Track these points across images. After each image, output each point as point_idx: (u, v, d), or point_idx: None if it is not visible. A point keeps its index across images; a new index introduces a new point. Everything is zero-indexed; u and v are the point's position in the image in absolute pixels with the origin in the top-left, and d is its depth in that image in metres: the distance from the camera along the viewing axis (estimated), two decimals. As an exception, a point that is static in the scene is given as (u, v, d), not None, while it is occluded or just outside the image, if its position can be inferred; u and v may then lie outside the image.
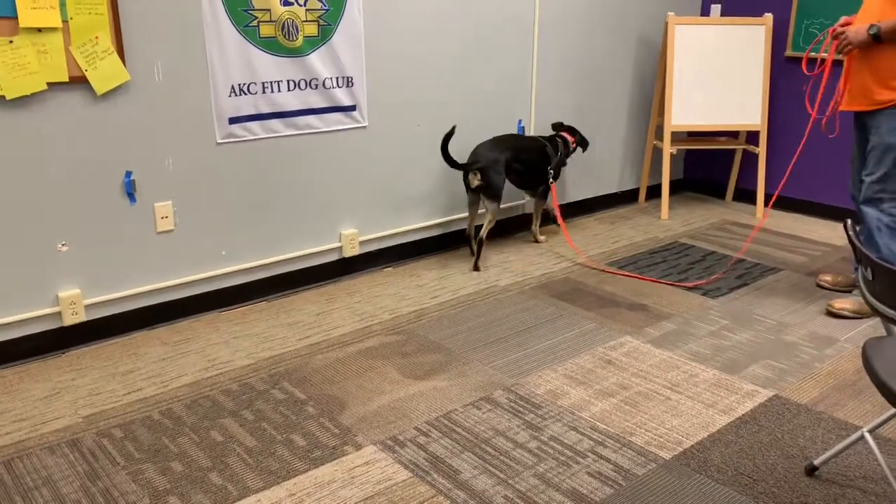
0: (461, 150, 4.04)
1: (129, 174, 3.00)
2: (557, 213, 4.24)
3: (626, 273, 3.81)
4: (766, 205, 4.89)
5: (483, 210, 3.92)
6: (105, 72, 2.83)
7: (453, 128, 3.72)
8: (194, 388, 2.70)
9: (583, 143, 4.39)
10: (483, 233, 3.86)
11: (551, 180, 4.13)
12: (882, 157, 3.10)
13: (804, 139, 3.64)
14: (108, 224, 3.00)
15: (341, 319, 3.28)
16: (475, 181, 3.80)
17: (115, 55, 2.84)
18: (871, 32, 2.99)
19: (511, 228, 4.47)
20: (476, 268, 3.87)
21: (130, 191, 3.02)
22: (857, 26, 3.05)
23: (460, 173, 4.05)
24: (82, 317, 3.00)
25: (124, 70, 2.87)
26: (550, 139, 4.22)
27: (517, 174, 4.01)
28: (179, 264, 3.22)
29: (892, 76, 3.01)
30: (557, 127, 4.36)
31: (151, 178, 3.06)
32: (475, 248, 3.92)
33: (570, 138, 4.28)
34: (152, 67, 2.96)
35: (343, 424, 2.47)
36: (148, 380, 2.77)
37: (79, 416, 2.53)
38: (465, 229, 4.17)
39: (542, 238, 4.31)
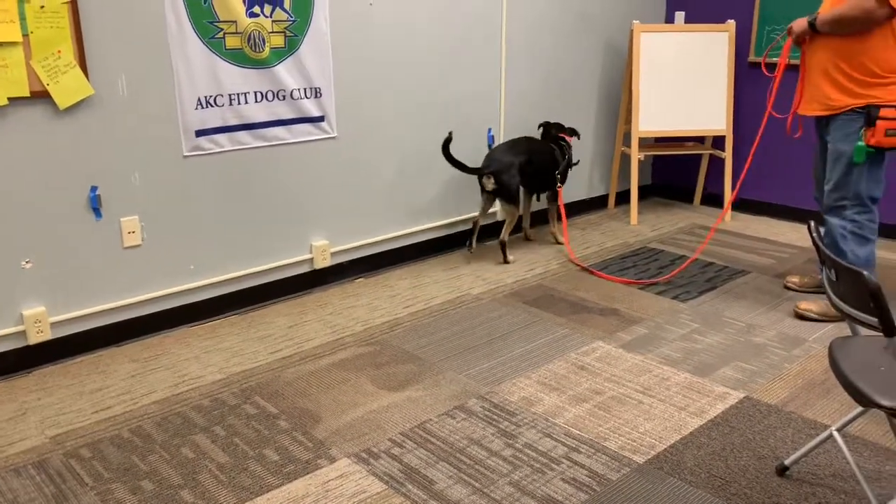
0: (430, 158, 4.05)
1: (94, 189, 2.96)
2: (563, 214, 4.33)
3: (604, 275, 3.83)
4: (733, 208, 4.95)
5: (494, 209, 4.14)
6: (68, 86, 2.79)
7: (450, 134, 3.84)
8: (164, 405, 2.66)
9: (574, 133, 4.48)
10: (504, 235, 4.06)
11: (559, 184, 4.26)
12: (835, 165, 3.12)
13: (758, 138, 3.68)
14: (74, 240, 2.95)
15: (313, 332, 3.26)
16: (489, 185, 3.94)
17: (78, 69, 2.80)
18: (809, 21, 3.04)
19: (482, 237, 4.47)
20: (506, 261, 4.08)
21: (96, 206, 2.98)
22: (801, 18, 3.10)
23: (431, 181, 4.07)
24: (48, 335, 2.95)
25: (88, 84, 2.84)
26: (556, 143, 4.32)
27: (529, 178, 4.11)
28: (147, 279, 3.18)
29: (847, 80, 3.02)
30: (548, 126, 4.41)
31: (117, 192, 3.02)
32: (474, 240, 4.19)
33: (568, 140, 4.38)
34: (116, 81, 2.92)
35: (316, 438, 2.45)
36: (117, 397, 2.72)
37: (45, 437, 2.48)
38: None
39: (561, 239, 4.43)
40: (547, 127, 4.43)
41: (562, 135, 4.38)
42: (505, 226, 4.06)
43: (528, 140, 4.21)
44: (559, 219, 4.35)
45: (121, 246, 3.08)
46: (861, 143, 3.01)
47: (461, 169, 3.93)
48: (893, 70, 2.94)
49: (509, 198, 3.98)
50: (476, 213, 4.21)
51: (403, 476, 2.25)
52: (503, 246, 4.07)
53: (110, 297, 3.09)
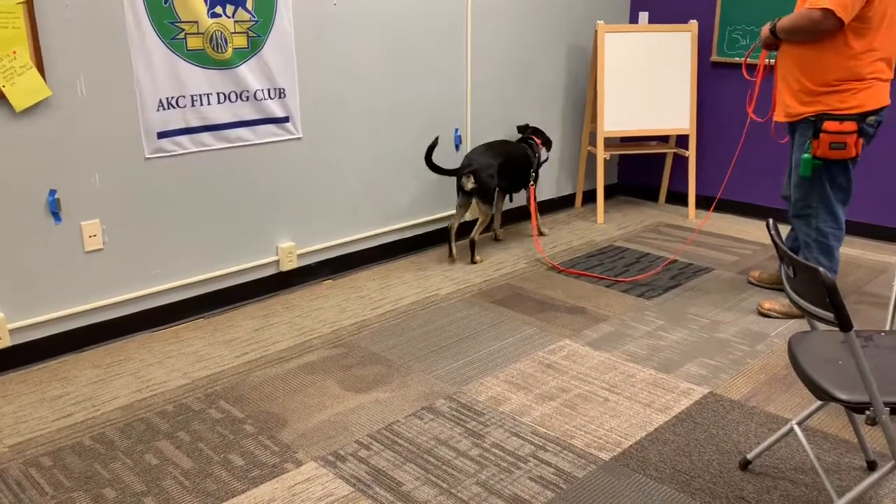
0: (397, 158, 4.05)
1: (52, 193, 2.90)
2: (534, 211, 4.41)
3: (580, 272, 3.86)
4: (697, 206, 5.02)
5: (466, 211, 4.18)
6: (24, 87, 2.73)
7: (436, 139, 3.90)
8: (128, 411, 2.63)
9: (547, 143, 4.54)
10: (475, 233, 4.09)
11: (532, 183, 4.34)
12: (795, 172, 3.16)
13: (741, 144, 3.73)
14: (32, 245, 2.90)
15: (280, 334, 3.23)
16: (469, 184, 3.99)
17: (35, 70, 2.74)
18: (770, 27, 3.06)
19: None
20: (473, 261, 4.09)
21: (55, 210, 2.92)
22: (767, 24, 3.12)
23: (399, 181, 4.07)
24: (7, 342, 2.89)
25: (45, 85, 2.78)
26: (527, 143, 4.39)
27: (507, 179, 4.17)
28: (110, 284, 3.13)
29: (800, 88, 3.04)
30: (524, 129, 4.50)
31: (77, 196, 2.97)
32: (454, 246, 4.15)
33: (537, 141, 4.44)
34: (75, 82, 2.87)
35: (282, 441, 2.43)
36: (78, 404, 2.68)
37: (4, 446, 2.42)
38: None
39: (546, 231, 4.61)
40: (522, 129, 4.50)
41: (532, 136, 4.44)
42: (477, 225, 4.10)
43: (503, 143, 4.27)
44: (535, 214, 4.45)
45: (82, 250, 3.03)
46: (807, 156, 3.01)
47: (441, 173, 3.97)
48: (848, 77, 2.94)
49: (486, 197, 4.04)
50: (451, 221, 4.17)
51: (371, 478, 2.24)
52: (472, 245, 4.09)
53: (71, 303, 3.04)
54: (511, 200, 4.55)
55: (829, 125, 2.94)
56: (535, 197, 4.36)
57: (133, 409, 2.64)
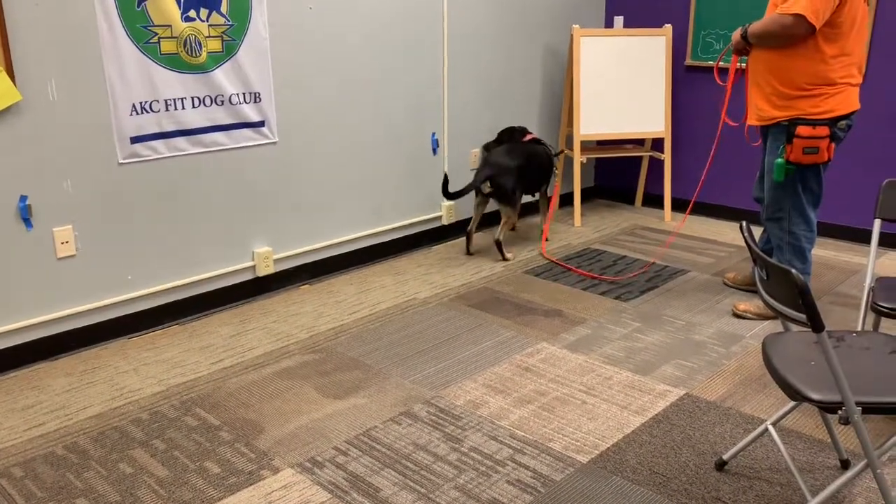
0: (373, 162, 4.04)
1: (24, 198, 2.86)
2: (550, 211, 4.56)
3: (570, 267, 3.87)
4: (672, 209, 5.06)
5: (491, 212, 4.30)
6: (-7, 92, 2.69)
7: (446, 175, 4.11)
8: (101, 420, 2.59)
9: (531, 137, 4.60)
10: (498, 234, 4.19)
11: (556, 180, 4.47)
12: (768, 175, 3.18)
13: (714, 148, 3.76)
14: (3, 252, 2.85)
15: (256, 340, 3.21)
16: (486, 188, 4.09)
17: (4, 74, 2.70)
18: (742, 33, 3.09)
19: (428, 240, 4.48)
20: (504, 259, 4.19)
21: (26, 216, 2.88)
22: (738, 29, 3.15)
23: (376, 185, 4.08)
24: (-23, 351, 2.84)
25: (15, 89, 2.74)
26: (541, 143, 4.44)
27: (527, 179, 4.23)
28: (83, 291, 3.09)
29: (772, 92, 3.06)
30: (509, 133, 4.48)
31: (49, 201, 2.93)
32: (473, 246, 4.31)
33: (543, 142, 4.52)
34: (46, 86, 2.84)
35: (259, 448, 2.41)
36: (51, 413, 2.64)
37: (-26, 457, 2.38)
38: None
39: (548, 236, 4.66)
40: (508, 133, 4.49)
41: (538, 138, 4.48)
42: (501, 225, 4.18)
43: (523, 144, 4.31)
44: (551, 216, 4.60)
45: (54, 257, 2.98)
46: (780, 161, 3.03)
47: (467, 191, 4.09)
48: (819, 82, 2.96)
49: (507, 200, 4.11)
50: (470, 224, 4.30)
51: (348, 484, 2.23)
52: (499, 245, 4.18)
53: (44, 310, 2.99)
54: (534, 196, 4.61)
55: (802, 130, 2.96)
56: (557, 197, 4.45)
57: (107, 417, 2.61)
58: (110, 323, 3.19)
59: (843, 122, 3.01)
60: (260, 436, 2.48)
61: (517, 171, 4.11)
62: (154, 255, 3.28)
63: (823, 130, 2.96)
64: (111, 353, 3.09)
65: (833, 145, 3.02)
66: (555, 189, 4.48)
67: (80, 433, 2.51)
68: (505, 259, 4.17)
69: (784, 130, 3.04)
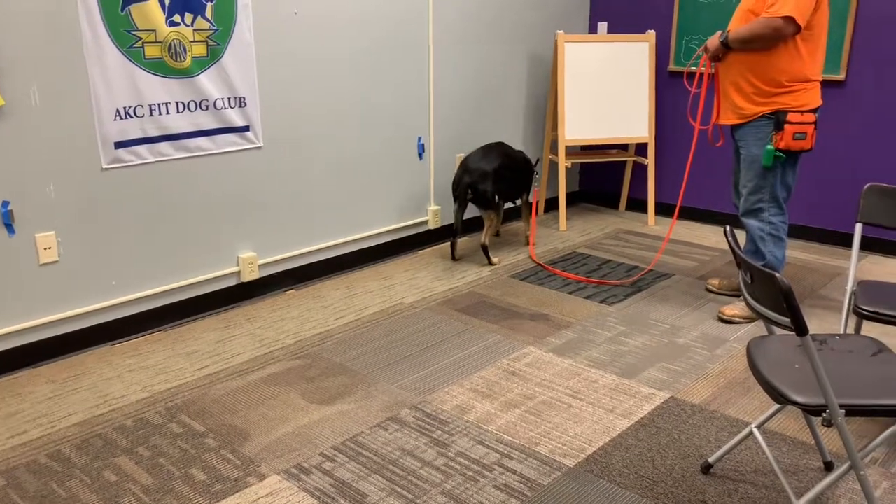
0: (359, 167, 4.04)
1: (6, 204, 2.83)
2: (533, 216, 4.55)
3: (560, 272, 3.88)
4: (656, 213, 5.09)
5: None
6: (-25, 97, 2.67)
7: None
8: (85, 427, 2.57)
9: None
10: (484, 238, 4.19)
11: (536, 185, 4.47)
12: (750, 169, 3.28)
13: (692, 153, 3.81)
14: (-16, 258, 2.82)
15: (241, 346, 3.19)
16: (467, 195, 4.09)
17: (-14, 79, 2.68)
18: (721, 40, 3.21)
19: (414, 245, 4.48)
20: (491, 263, 4.19)
21: (8, 221, 2.85)
22: (715, 35, 3.27)
23: (361, 190, 4.08)
24: (-42, 358, 2.81)
25: (-3, 95, 2.72)
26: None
27: (506, 183, 4.22)
28: (66, 297, 3.06)
29: (753, 91, 3.19)
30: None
31: (32, 207, 2.90)
32: (458, 252, 4.30)
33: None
34: (28, 91, 2.81)
35: (245, 455, 2.40)
36: (33, 421, 2.61)
37: (-45, 466, 2.35)
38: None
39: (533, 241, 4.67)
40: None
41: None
42: (485, 230, 4.18)
43: (501, 145, 4.31)
44: (535, 223, 4.61)
45: (36, 263, 2.96)
46: (770, 147, 3.17)
47: (460, 210, 4.13)
48: (798, 79, 3.13)
49: (486, 204, 4.12)
50: (454, 226, 4.25)
51: (335, 491, 2.22)
52: (485, 250, 4.17)
53: (26, 316, 2.96)
54: (515, 204, 4.62)
55: (792, 117, 3.13)
56: (536, 204, 4.45)
57: (91, 424, 2.59)
58: (94, 329, 3.17)
59: (817, 115, 3.20)
60: (246, 442, 2.47)
61: (494, 175, 4.10)
62: (138, 261, 3.26)
63: (811, 117, 3.14)
64: (95, 360, 3.07)
65: (816, 133, 3.20)
66: (534, 194, 4.48)
67: (64, 441, 2.49)
68: (491, 263, 4.18)
69: (770, 122, 3.19)
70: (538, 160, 4.90)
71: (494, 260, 4.20)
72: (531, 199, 4.55)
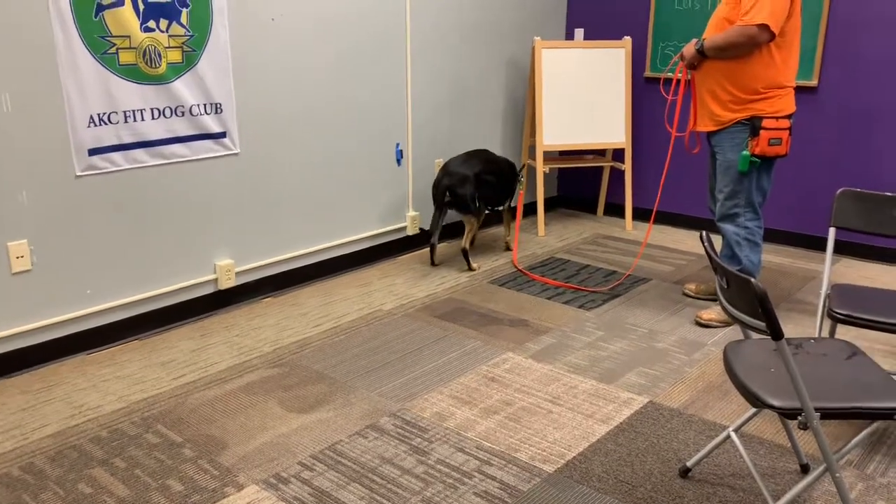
0: (337, 173, 4.03)
1: (-24, 212, 2.79)
2: (517, 221, 4.55)
3: (538, 277, 3.89)
4: (634, 218, 5.13)
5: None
6: (-55, 104, 2.62)
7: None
8: (59, 438, 2.53)
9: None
10: (464, 243, 4.18)
11: (520, 189, 4.48)
12: (726, 174, 3.31)
13: (668, 159, 3.85)
14: (-45, 267, 2.77)
15: (219, 355, 3.16)
16: (445, 198, 4.08)
17: (-44, 86, 2.64)
18: (697, 48, 3.25)
19: (393, 251, 4.47)
20: (470, 269, 4.18)
21: (-21, 230, 2.81)
22: (690, 43, 3.30)
23: (339, 197, 4.06)
24: (-73, 369, 2.76)
25: (-33, 101, 2.68)
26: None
27: (488, 188, 4.21)
28: (39, 306, 3.02)
29: (729, 98, 3.23)
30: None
31: (3, 215, 2.86)
32: (437, 257, 4.27)
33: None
34: (0, 98, 2.77)
35: (223, 465, 2.37)
36: (5, 433, 2.56)
37: (-75, 480, 2.30)
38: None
39: (512, 246, 4.62)
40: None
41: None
42: (465, 235, 4.17)
43: (485, 152, 4.31)
44: (512, 226, 4.58)
45: (8, 271, 2.91)
46: (745, 153, 3.21)
47: (438, 214, 4.11)
48: (773, 85, 3.17)
49: (465, 208, 4.09)
50: (433, 234, 4.24)
51: (314, 500, 2.20)
52: (466, 254, 4.16)
53: (-3, 327, 2.92)
54: (492, 210, 4.51)
55: (768, 123, 3.17)
56: (521, 210, 4.44)
57: (65, 435, 2.55)
58: (68, 339, 3.12)
59: (791, 120, 3.24)
60: (223, 452, 2.45)
61: (475, 179, 4.09)
62: (113, 269, 3.22)
63: (785, 123, 3.19)
64: (69, 370, 3.02)
65: (791, 139, 3.24)
66: (518, 199, 4.48)
67: (37, 453, 2.44)
68: (471, 269, 4.17)
69: (745, 128, 3.23)
70: (524, 166, 4.92)
71: (474, 265, 4.20)
72: (514, 204, 4.55)
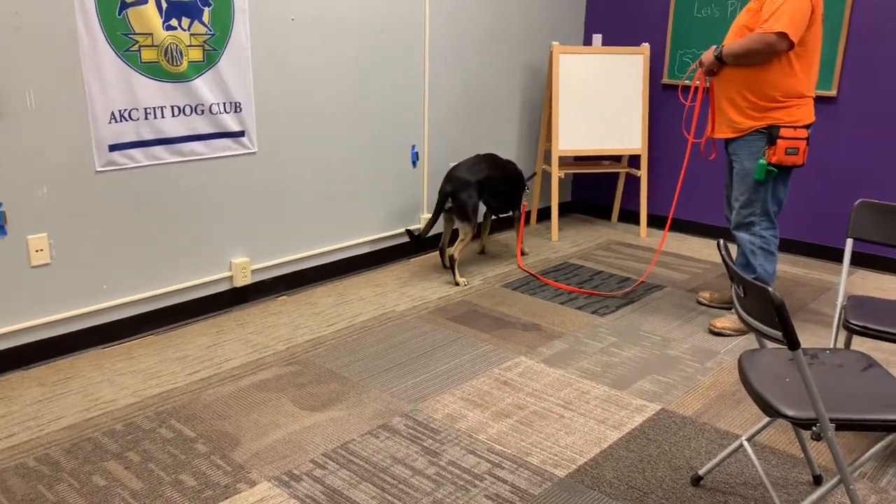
0: (354, 173, 4.05)
1: (-2, 205, 2.83)
2: (521, 230, 4.48)
3: (554, 282, 3.89)
4: (648, 225, 5.12)
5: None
6: (-30, 97, 2.66)
7: (409, 231, 4.15)
8: (74, 431, 2.55)
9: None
10: (455, 251, 4.04)
11: (524, 201, 4.40)
12: (743, 183, 3.30)
13: (685, 166, 3.84)
14: (-24, 259, 2.81)
15: (233, 352, 3.18)
16: (447, 203, 4.04)
17: (-18, 80, 2.67)
18: (715, 54, 3.24)
19: (407, 252, 4.49)
20: (456, 283, 4.04)
21: (0, 223, 2.84)
22: (710, 49, 3.29)
23: (355, 197, 4.07)
24: (-54, 359, 2.79)
25: (-8, 95, 2.71)
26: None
27: (493, 195, 4.19)
28: (57, 299, 3.05)
29: (748, 105, 3.22)
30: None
31: (24, 209, 2.89)
32: (448, 263, 4.17)
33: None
34: (24, 94, 2.80)
35: (235, 461, 2.39)
36: (22, 424, 2.59)
37: (-58, 468, 2.33)
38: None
39: (526, 251, 4.64)
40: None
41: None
42: (457, 243, 4.04)
43: (493, 157, 4.24)
44: (521, 235, 4.54)
45: (28, 264, 2.94)
46: (762, 161, 3.20)
47: (436, 217, 4.07)
48: (792, 94, 3.16)
49: (464, 216, 4.00)
50: (441, 238, 4.29)
51: (325, 498, 2.21)
52: (452, 263, 4.02)
53: (16, 319, 2.95)
54: (497, 216, 4.50)
55: (785, 132, 3.16)
56: (524, 217, 4.44)
57: (80, 428, 2.57)
58: (85, 332, 3.15)
59: (809, 130, 3.23)
60: (236, 448, 2.46)
61: (478, 186, 4.02)
62: (130, 265, 3.25)
63: (803, 133, 3.17)
64: (85, 363, 3.05)
65: (808, 149, 3.22)
66: (522, 207, 4.42)
67: (53, 444, 2.47)
68: (457, 283, 4.01)
69: (763, 136, 3.22)
70: (533, 174, 4.90)
71: (461, 280, 4.03)
72: (520, 212, 4.48)
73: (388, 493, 2.24)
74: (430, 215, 4.48)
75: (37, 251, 2.95)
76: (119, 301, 3.23)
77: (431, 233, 4.25)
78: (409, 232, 4.13)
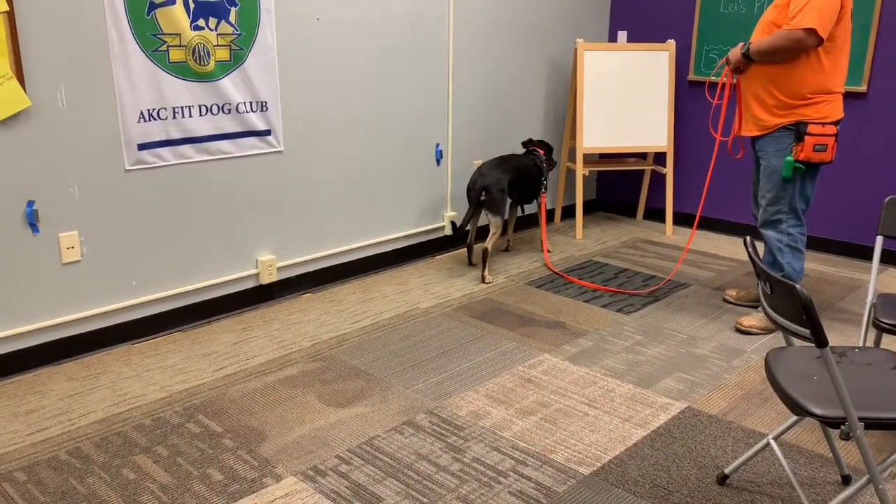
0: (378, 171, 4.07)
1: (31, 203, 2.88)
2: (543, 220, 4.49)
3: (576, 280, 3.88)
4: (674, 223, 5.08)
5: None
6: (4, 98, 2.71)
7: (453, 224, 4.19)
8: (104, 425, 2.60)
9: (549, 150, 4.54)
10: (489, 244, 4.08)
11: (543, 191, 4.42)
12: (770, 180, 3.27)
13: (712, 163, 3.80)
14: (9, 256, 2.86)
15: (259, 348, 3.22)
16: (479, 198, 4.08)
17: (15, 81, 2.72)
18: (742, 52, 3.21)
19: (430, 250, 4.50)
20: (483, 278, 4.06)
21: (33, 221, 2.89)
22: (737, 46, 3.26)
23: (379, 195, 4.09)
24: (-19, 354, 2.85)
25: (25, 96, 2.76)
26: (533, 155, 4.44)
27: (518, 191, 4.25)
28: (87, 296, 3.10)
29: (775, 103, 3.19)
30: (527, 143, 4.54)
31: (56, 207, 2.95)
32: (474, 257, 4.31)
33: (540, 151, 4.47)
34: (55, 93, 2.85)
35: (262, 456, 2.42)
36: (54, 418, 2.64)
37: (-23, 461, 2.39)
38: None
39: (550, 248, 4.67)
40: (526, 143, 4.55)
41: (534, 147, 4.48)
42: (490, 236, 4.10)
43: (514, 157, 4.31)
44: (542, 222, 4.54)
45: (59, 262, 3.00)
46: (790, 158, 3.17)
47: (470, 213, 4.10)
48: (820, 91, 3.12)
49: (497, 210, 4.07)
50: (468, 235, 4.30)
51: (351, 493, 2.23)
52: (485, 256, 4.05)
53: (48, 315, 3.00)
54: (523, 212, 4.66)
55: (813, 129, 3.12)
56: (545, 207, 4.46)
57: (110, 422, 2.62)
58: (114, 328, 3.20)
59: (838, 127, 3.19)
60: (263, 443, 2.49)
61: (509, 183, 4.12)
62: (158, 262, 3.29)
63: (831, 129, 3.13)
64: (114, 359, 3.10)
65: (836, 145, 3.19)
66: (542, 198, 4.43)
67: (83, 438, 2.52)
68: (483, 279, 4.02)
69: (790, 133, 3.19)
70: (553, 164, 4.85)
71: (488, 277, 4.05)
72: (538, 202, 4.49)
73: (412, 488, 2.25)
74: (453, 213, 4.51)
75: (68, 248, 3.00)
76: (147, 298, 3.28)
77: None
78: (453, 224, 4.20)
